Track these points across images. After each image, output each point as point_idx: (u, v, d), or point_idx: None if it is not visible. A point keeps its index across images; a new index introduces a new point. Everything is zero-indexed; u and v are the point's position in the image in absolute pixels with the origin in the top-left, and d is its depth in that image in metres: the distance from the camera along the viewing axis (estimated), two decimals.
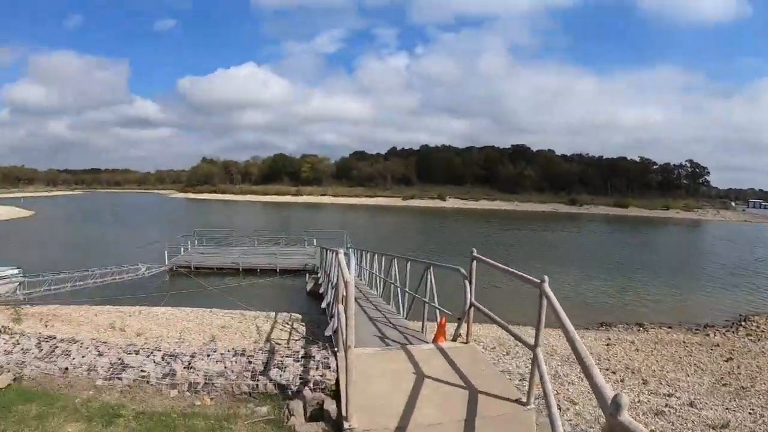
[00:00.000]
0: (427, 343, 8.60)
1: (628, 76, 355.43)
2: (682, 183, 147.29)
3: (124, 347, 9.42)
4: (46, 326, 15.65)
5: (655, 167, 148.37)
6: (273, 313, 18.52)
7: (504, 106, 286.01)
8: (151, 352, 8.92)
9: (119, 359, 8.58)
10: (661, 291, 27.35)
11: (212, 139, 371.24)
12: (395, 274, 13.62)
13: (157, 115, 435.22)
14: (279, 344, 13.16)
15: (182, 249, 33.04)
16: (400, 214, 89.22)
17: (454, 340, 8.51)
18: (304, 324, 16.61)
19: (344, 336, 5.74)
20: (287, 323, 16.98)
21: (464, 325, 8.33)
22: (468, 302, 7.93)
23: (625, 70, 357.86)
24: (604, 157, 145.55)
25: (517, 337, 6.67)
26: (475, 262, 7.94)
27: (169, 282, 26.88)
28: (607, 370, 12.82)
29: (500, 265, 6.96)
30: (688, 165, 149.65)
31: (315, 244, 35.71)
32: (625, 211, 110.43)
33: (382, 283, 16.09)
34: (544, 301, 5.33)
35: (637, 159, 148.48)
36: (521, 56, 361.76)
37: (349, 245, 28.85)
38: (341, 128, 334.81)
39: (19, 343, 9.76)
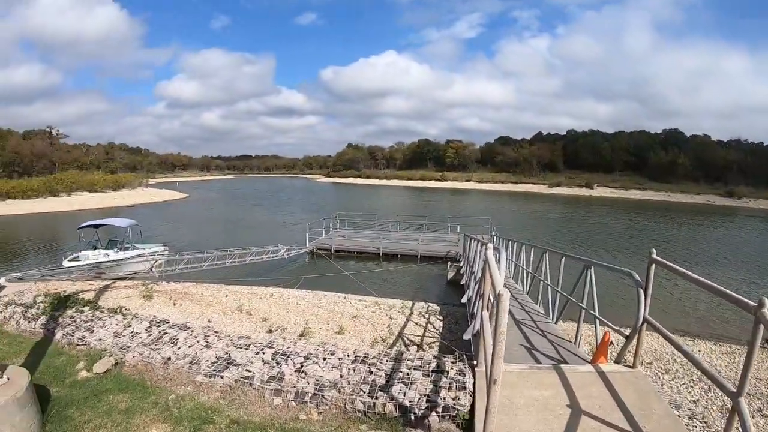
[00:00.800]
0: (585, 362, 7.32)
1: None
2: None
3: (235, 339, 9.02)
4: (174, 304, 16.15)
5: None
6: (410, 303, 17.65)
7: (650, 87, 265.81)
8: (262, 349, 8.38)
9: (226, 353, 8.17)
10: None
11: (356, 125, 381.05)
12: (546, 271, 12.43)
13: (302, 105, 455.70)
14: (410, 345, 12.53)
15: (323, 231, 33.59)
16: (546, 202, 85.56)
17: (617, 362, 7.04)
18: (441, 318, 15.53)
19: (488, 364, 4.68)
20: (423, 315, 15.91)
21: (633, 345, 6.80)
22: (641, 317, 6.37)
23: None
24: (765, 144, 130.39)
25: (714, 380, 4.97)
26: (653, 266, 6.40)
27: (308, 264, 27.24)
28: None
29: (694, 276, 5.41)
30: None
31: (459, 231, 34.97)
32: None
33: (529, 278, 14.81)
34: (760, 332, 4.01)
35: None
36: (666, 33, 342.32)
37: (494, 233, 27.71)
38: (483, 113, 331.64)
39: (130, 326, 9.83)
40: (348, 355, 8.00)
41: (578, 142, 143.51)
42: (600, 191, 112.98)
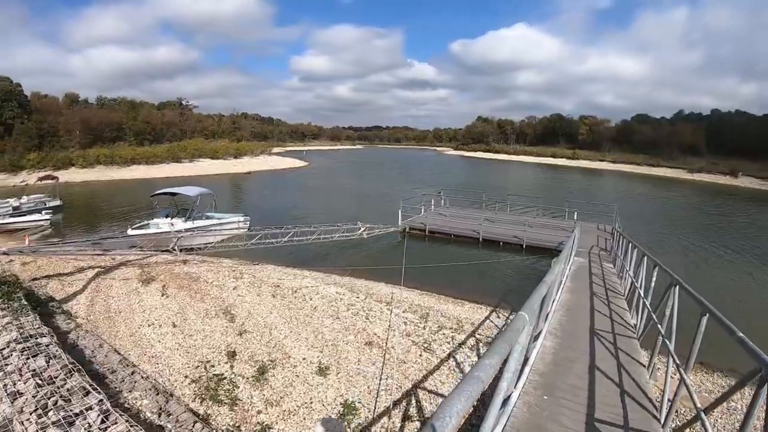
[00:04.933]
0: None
1: None
2: None
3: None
4: (164, 295, 14.74)
5: None
6: (486, 310, 15.52)
7: None
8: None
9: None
10: None
11: (487, 99, 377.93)
12: (642, 279, 11.31)
13: (433, 77, 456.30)
14: None
15: (423, 209, 31.73)
16: (685, 190, 78.58)
17: None
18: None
19: None
20: (484, 340, 12.71)
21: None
22: None
23: None
24: None
25: None
26: None
27: (393, 247, 25.57)
28: None
29: None
30: None
31: (576, 218, 32.03)
32: None
33: (630, 283, 13.41)
34: None
35: None
36: None
37: (617, 226, 25.48)
38: (619, 89, 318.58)
39: None
40: None
41: (724, 123, 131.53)
42: (745, 181, 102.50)
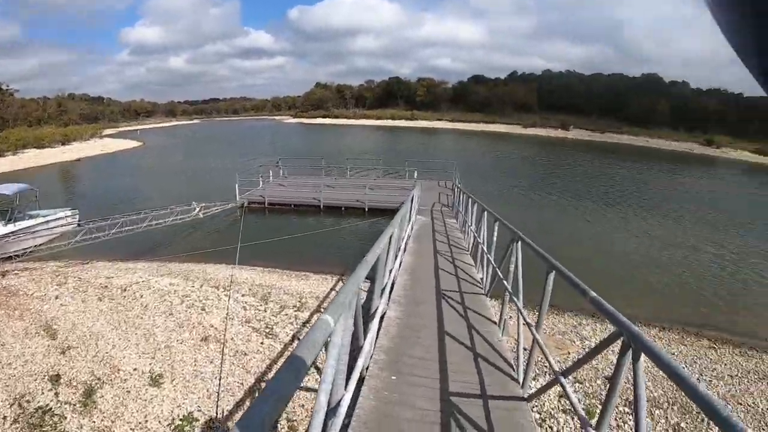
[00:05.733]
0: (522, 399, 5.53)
1: None
2: None
3: None
4: None
5: None
6: (332, 280, 15.09)
7: (624, 32, 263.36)
8: None
9: None
10: None
11: (326, 65, 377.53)
12: (484, 233, 11.03)
13: (271, 45, 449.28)
14: None
15: (261, 181, 30.10)
16: (520, 143, 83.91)
17: None
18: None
19: None
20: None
21: None
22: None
23: None
24: (745, 95, 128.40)
25: None
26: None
27: (231, 225, 23.49)
28: None
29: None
30: None
31: (416, 177, 32.12)
32: None
33: (473, 238, 13.15)
34: None
35: None
36: None
37: (458, 182, 25.58)
38: (456, 53, 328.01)
39: None
40: None
41: (554, 83, 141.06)
42: (576, 134, 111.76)
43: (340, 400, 3.51)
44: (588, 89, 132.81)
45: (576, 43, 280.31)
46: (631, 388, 3.19)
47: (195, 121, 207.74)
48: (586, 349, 10.72)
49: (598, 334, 11.83)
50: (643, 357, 3.13)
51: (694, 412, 8.30)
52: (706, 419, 8.10)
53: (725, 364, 11.03)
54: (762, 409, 9.23)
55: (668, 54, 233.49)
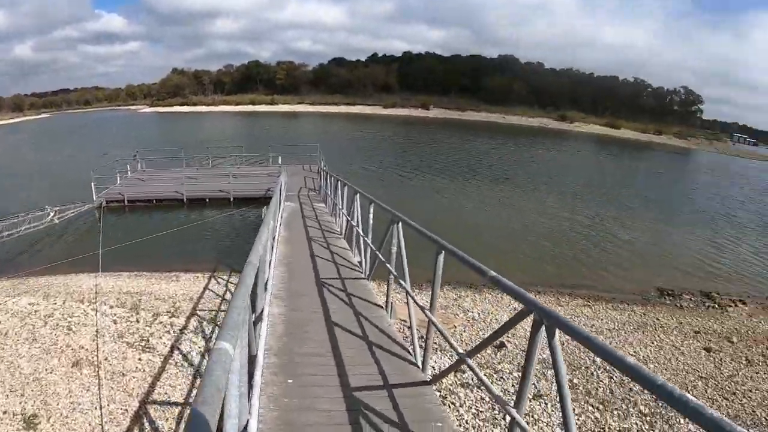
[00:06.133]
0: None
1: None
2: (674, 109, 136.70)
3: None
4: None
5: (648, 90, 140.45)
6: (206, 276, 14.39)
7: (481, 16, 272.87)
8: None
9: None
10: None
11: (183, 50, 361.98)
12: (358, 216, 10.62)
13: (123, 29, 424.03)
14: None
15: (118, 177, 27.52)
16: (382, 124, 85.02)
17: None
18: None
19: None
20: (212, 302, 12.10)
21: None
22: None
23: None
24: (596, 75, 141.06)
25: None
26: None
27: (90, 227, 21.34)
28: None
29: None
30: (682, 91, 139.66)
31: (280, 162, 31.48)
32: (618, 133, 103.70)
33: (345, 222, 12.87)
34: None
35: (631, 80, 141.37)
36: None
37: (323, 165, 25.17)
38: (317, 36, 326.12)
39: None
40: None
41: (414, 64, 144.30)
42: (436, 112, 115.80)
43: (246, 425, 3.10)
44: (447, 70, 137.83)
45: (435, 26, 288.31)
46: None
47: (44, 115, 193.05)
48: (470, 321, 10.93)
49: (479, 304, 12.13)
50: (558, 332, 3.02)
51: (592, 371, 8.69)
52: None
53: (601, 319, 12.15)
54: (643, 357, 10.11)
55: (524, 36, 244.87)
